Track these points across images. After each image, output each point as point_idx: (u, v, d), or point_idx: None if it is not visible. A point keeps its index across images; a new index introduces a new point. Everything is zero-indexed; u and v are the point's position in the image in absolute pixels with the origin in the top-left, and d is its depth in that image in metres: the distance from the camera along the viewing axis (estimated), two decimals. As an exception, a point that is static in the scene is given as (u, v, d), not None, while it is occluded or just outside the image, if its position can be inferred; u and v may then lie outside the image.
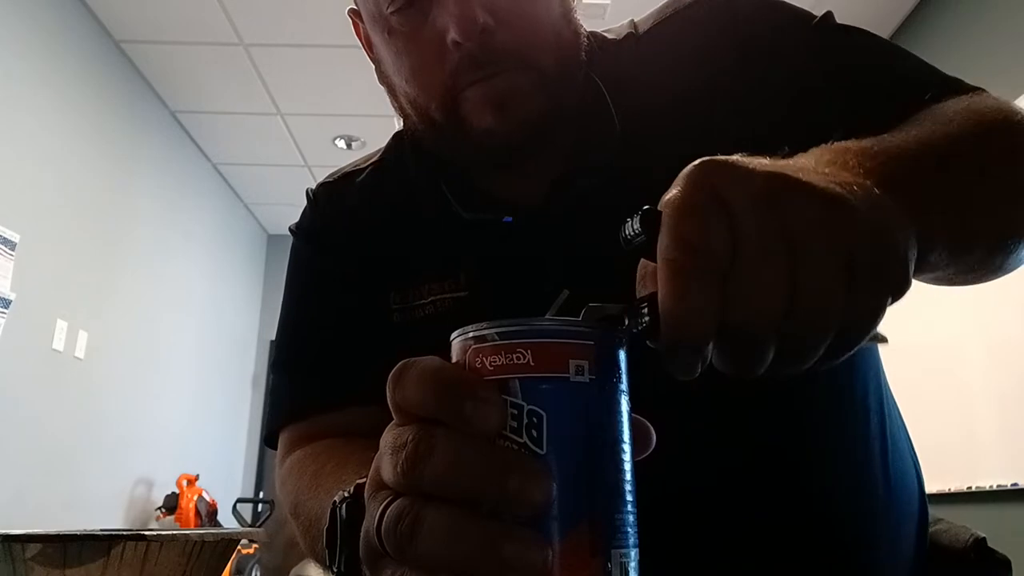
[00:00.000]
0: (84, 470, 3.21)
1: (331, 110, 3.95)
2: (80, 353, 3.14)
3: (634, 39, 0.73)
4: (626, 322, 0.34)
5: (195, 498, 3.83)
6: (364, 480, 0.37)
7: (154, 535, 0.57)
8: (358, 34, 0.76)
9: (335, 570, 0.42)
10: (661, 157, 0.67)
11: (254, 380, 5.21)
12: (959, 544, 0.69)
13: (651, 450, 0.36)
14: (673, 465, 0.44)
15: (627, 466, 0.33)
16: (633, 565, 0.32)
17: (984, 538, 0.69)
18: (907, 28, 3.35)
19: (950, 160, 0.49)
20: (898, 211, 0.36)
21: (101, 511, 3.33)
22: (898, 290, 0.35)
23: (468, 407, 0.31)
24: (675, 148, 0.67)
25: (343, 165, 0.84)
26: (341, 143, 4.27)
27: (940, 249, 0.44)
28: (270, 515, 4.28)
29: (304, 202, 0.83)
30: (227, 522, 4.17)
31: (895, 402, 0.73)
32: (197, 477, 3.98)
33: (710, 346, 0.33)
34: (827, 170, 0.38)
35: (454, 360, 0.34)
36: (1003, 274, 0.56)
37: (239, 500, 4.34)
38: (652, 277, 0.34)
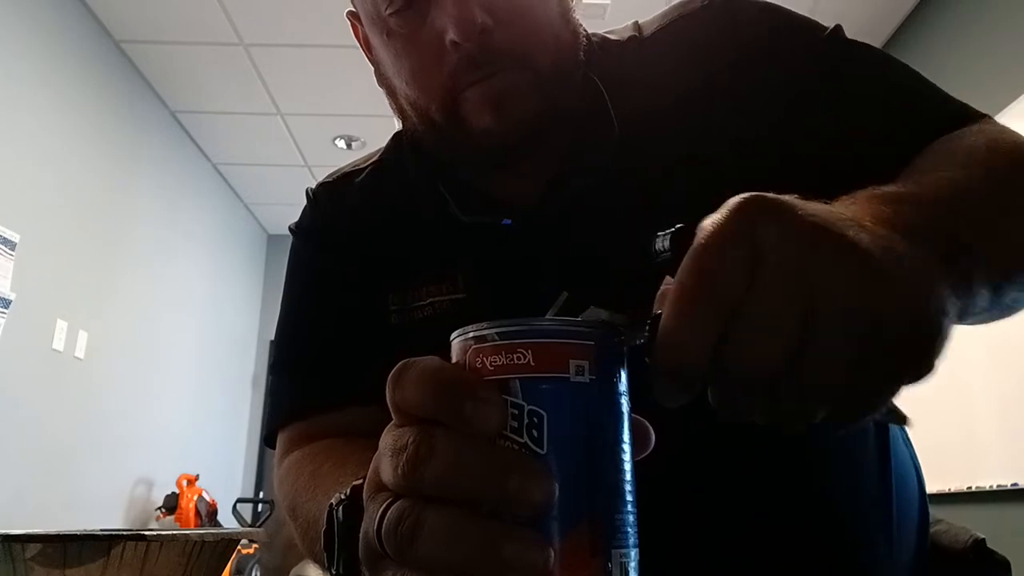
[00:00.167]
0: (84, 470, 3.21)
1: (331, 110, 3.95)
2: (80, 353, 3.14)
3: (638, 42, 0.73)
4: (626, 334, 0.34)
5: (195, 498, 3.83)
6: (361, 482, 0.37)
7: (154, 535, 0.57)
8: (357, 36, 0.76)
9: (334, 572, 0.42)
10: (658, 158, 0.67)
11: (254, 380, 5.21)
12: (958, 545, 0.69)
13: (651, 450, 0.36)
14: (673, 465, 0.44)
15: (627, 466, 0.33)
16: (633, 565, 0.32)
17: (983, 539, 0.69)
18: (906, 29, 3.35)
19: (988, 207, 0.48)
20: (945, 289, 0.34)
21: (101, 511, 3.33)
22: (917, 376, 0.33)
23: (468, 407, 0.31)
24: (672, 149, 0.67)
25: (343, 165, 0.84)
26: (341, 143, 4.27)
27: (981, 296, 0.43)
28: (270, 515, 4.29)
29: (304, 202, 0.83)
30: (227, 522, 4.18)
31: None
32: (197, 477, 3.98)
33: (699, 379, 0.32)
34: (879, 229, 0.35)
35: (454, 360, 0.34)
36: None
37: (239, 500, 4.34)
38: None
